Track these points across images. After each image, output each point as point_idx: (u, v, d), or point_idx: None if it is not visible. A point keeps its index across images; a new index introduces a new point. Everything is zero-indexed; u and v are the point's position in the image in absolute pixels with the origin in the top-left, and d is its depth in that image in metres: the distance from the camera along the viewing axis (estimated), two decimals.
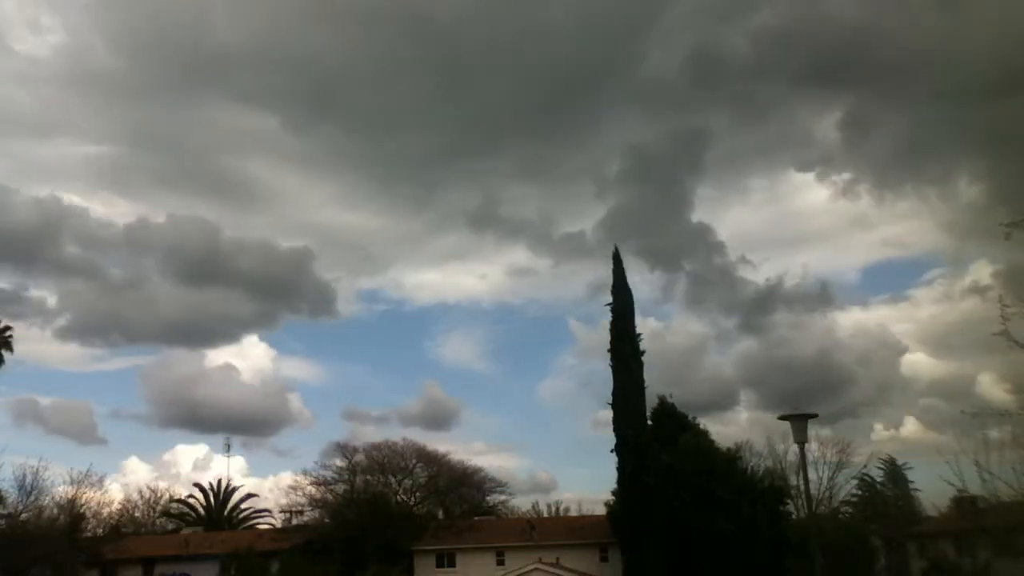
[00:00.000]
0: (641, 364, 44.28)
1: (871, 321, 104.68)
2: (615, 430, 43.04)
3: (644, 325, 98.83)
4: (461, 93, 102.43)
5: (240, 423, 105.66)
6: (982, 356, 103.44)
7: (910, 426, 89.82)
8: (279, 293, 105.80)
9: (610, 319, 45.25)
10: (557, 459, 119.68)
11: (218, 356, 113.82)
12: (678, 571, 36.95)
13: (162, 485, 67.83)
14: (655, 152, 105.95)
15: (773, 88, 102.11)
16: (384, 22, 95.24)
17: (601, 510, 50.06)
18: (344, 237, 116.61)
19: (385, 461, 54.88)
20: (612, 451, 42.97)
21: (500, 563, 45.85)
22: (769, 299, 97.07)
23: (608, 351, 44.76)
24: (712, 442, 42.76)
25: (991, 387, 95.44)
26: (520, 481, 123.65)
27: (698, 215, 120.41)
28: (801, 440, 20.19)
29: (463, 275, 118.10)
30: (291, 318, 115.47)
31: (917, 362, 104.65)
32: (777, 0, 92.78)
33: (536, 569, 42.93)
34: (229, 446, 74.19)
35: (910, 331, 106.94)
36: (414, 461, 55.60)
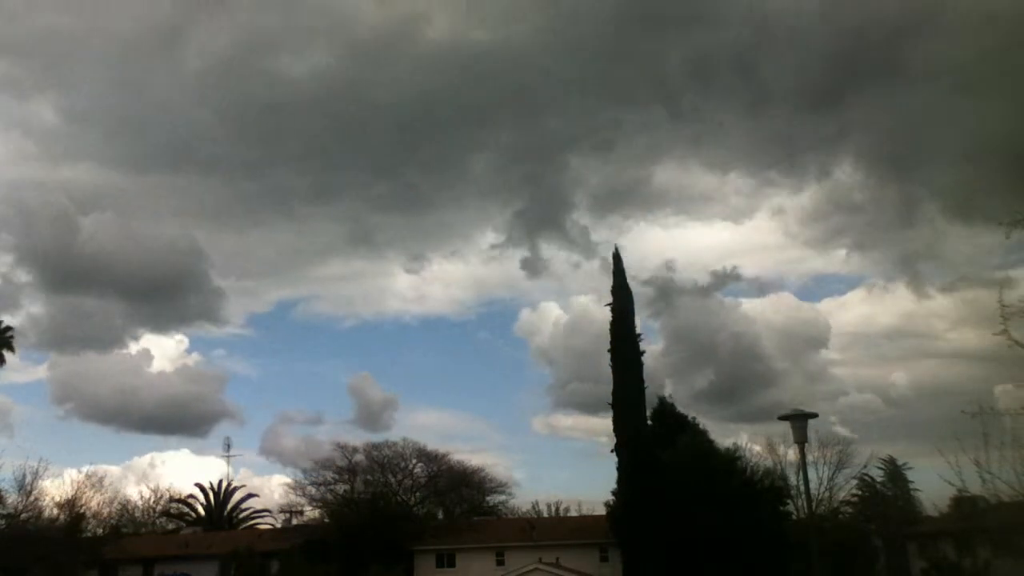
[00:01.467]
0: (641, 364, 44.38)
1: (784, 323, 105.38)
2: (615, 430, 43.11)
3: (547, 316, 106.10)
4: (340, 136, 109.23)
5: (167, 424, 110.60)
6: (899, 357, 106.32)
7: (836, 428, 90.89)
8: (171, 297, 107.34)
9: (610, 319, 45.40)
10: (507, 460, 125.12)
11: (127, 358, 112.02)
12: (678, 571, 36.93)
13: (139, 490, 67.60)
14: (527, 172, 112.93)
15: (627, 115, 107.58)
16: (259, 87, 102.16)
17: (600, 510, 50.11)
18: (238, 260, 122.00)
19: (385, 461, 54.89)
20: (612, 451, 43.08)
21: (500, 563, 45.88)
22: (675, 292, 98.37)
23: (608, 351, 44.85)
24: (711, 442, 42.82)
25: (906, 388, 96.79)
26: None
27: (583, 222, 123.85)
28: (801, 440, 20.24)
29: (363, 296, 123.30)
30: (206, 327, 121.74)
31: (834, 363, 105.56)
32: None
33: (536, 569, 42.92)
34: (229, 446, 73.91)
35: (825, 333, 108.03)
36: (414, 461, 55.62)
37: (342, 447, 55.42)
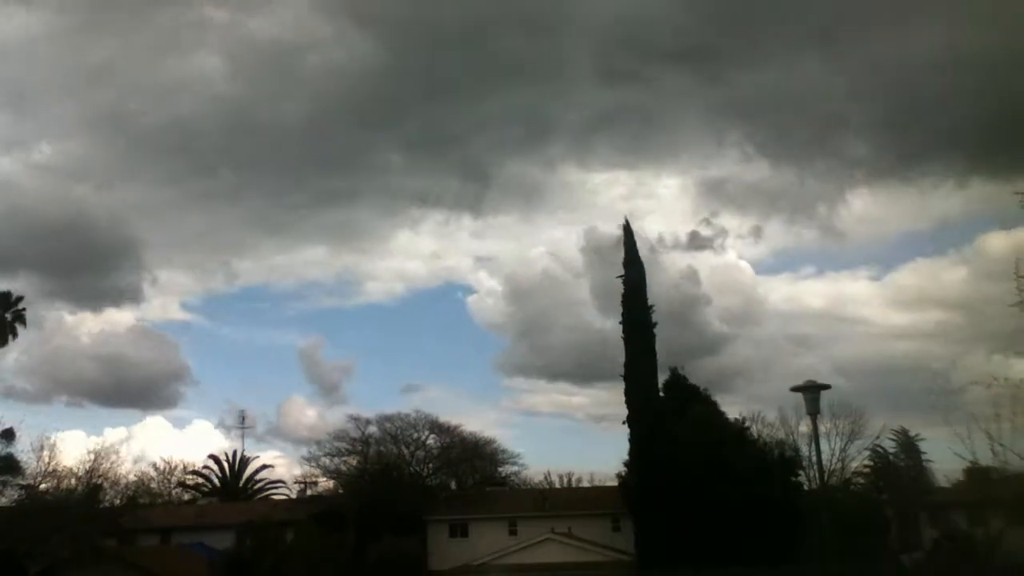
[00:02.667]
0: (653, 336, 44.31)
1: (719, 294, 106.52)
2: (627, 402, 43.18)
3: (486, 294, 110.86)
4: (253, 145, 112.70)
5: (116, 397, 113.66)
6: (832, 336, 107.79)
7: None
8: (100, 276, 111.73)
9: (621, 292, 45.29)
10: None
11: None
12: (690, 542, 37.13)
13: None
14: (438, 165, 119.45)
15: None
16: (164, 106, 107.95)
17: (612, 481, 50.37)
18: (163, 255, 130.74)
19: (398, 432, 55.29)
20: (624, 423, 43.19)
21: (512, 533, 46.28)
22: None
23: (620, 323, 44.83)
24: (723, 413, 42.85)
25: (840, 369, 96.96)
26: None
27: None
28: (813, 412, 20.25)
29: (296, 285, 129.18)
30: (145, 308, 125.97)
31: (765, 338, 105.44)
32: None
33: (548, 539, 43.33)
34: (244, 418, 74.49)
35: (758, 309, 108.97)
36: (427, 432, 56.00)
37: (355, 418, 55.91)
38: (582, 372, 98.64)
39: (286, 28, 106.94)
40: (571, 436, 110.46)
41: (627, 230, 46.62)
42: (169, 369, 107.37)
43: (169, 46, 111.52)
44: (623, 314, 44.79)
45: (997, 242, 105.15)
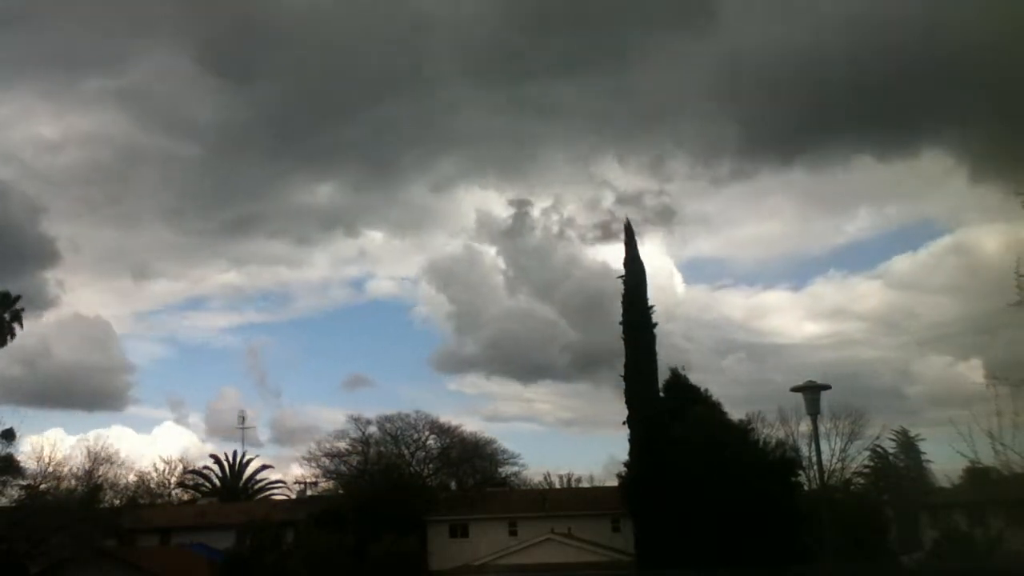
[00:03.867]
0: (654, 336, 44.26)
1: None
2: (627, 402, 43.16)
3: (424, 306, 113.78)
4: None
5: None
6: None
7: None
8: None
9: (622, 291, 45.25)
10: None
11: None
12: (690, 542, 37.11)
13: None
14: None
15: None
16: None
17: (612, 481, 50.41)
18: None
19: (398, 433, 55.33)
20: (624, 423, 43.17)
21: (513, 533, 46.29)
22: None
23: (620, 323, 44.76)
24: (724, 414, 42.79)
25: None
26: None
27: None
28: (813, 412, 20.24)
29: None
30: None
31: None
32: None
33: (548, 539, 43.33)
34: (244, 418, 74.52)
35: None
36: (427, 433, 56.03)
37: (355, 419, 55.98)
38: (524, 369, 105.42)
39: (172, 81, 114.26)
40: (543, 441, 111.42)
41: (628, 230, 46.61)
42: (112, 370, 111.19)
43: (68, 104, 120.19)
44: (623, 314, 44.70)
45: (904, 262, 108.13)
